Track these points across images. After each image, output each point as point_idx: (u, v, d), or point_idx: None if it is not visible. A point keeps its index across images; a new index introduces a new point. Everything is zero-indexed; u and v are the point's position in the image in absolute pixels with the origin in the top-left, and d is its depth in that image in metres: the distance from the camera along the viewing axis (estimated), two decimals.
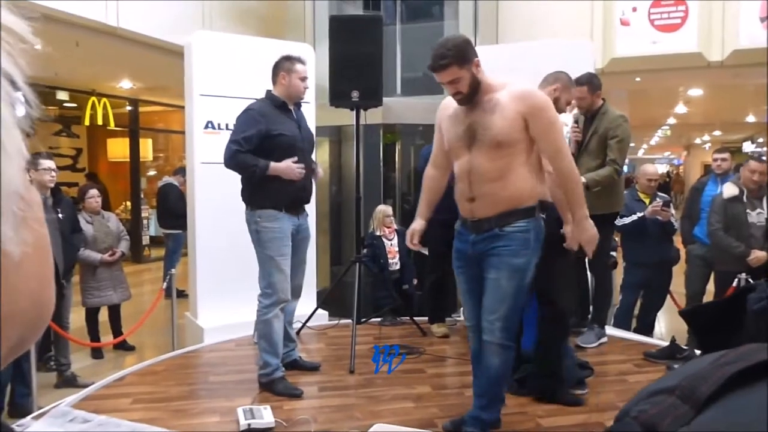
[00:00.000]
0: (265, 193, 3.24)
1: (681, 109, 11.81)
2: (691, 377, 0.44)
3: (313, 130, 4.30)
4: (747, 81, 7.94)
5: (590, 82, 3.98)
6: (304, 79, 3.37)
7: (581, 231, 2.58)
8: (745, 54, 6.34)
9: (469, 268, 2.64)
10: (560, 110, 3.24)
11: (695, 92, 9.71)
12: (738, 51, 6.37)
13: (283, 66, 3.35)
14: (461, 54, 2.45)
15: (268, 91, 3.40)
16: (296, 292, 3.55)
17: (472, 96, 2.51)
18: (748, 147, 16.07)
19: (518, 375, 3.28)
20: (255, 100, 3.41)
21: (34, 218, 0.33)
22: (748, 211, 4.29)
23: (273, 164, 3.17)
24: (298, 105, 3.46)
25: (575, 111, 4.12)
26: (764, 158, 4.61)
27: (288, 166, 3.20)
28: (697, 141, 21.00)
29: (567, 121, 4.12)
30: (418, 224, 2.86)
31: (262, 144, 3.21)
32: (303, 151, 3.35)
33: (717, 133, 17.83)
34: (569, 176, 2.51)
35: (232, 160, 3.20)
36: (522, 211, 2.50)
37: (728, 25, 6.41)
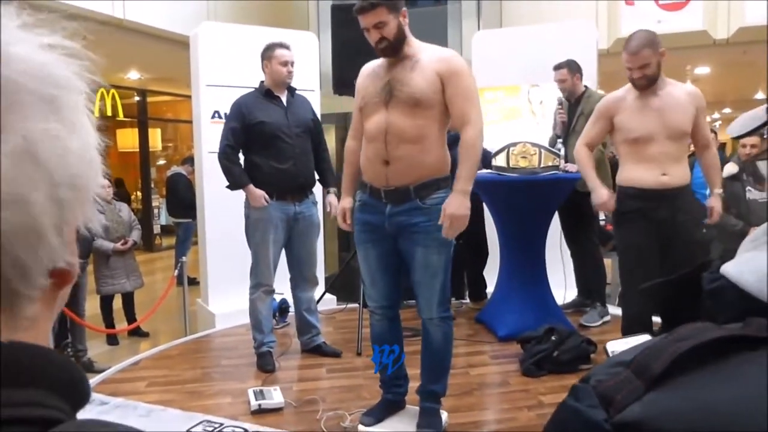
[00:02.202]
0: (253, 181, 3.36)
1: (689, 87, 11.73)
2: (644, 352, 0.47)
3: (319, 117, 4.32)
4: (755, 58, 7.87)
5: (569, 65, 4.15)
6: (285, 63, 3.37)
7: (456, 205, 2.34)
8: (751, 31, 6.30)
9: (381, 241, 2.52)
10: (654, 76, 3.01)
11: (702, 70, 9.65)
12: (744, 28, 6.33)
13: (264, 55, 3.44)
14: None
15: (261, 82, 3.51)
16: (311, 280, 3.64)
17: (397, 47, 2.40)
18: None
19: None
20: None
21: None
22: (748, 188, 4.32)
23: (250, 186, 3.33)
24: (291, 92, 3.47)
25: (559, 94, 4.25)
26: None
27: (257, 196, 3.33)
28: (707, 119, 20.79)
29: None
30: (347, 202, 2.67)
31: (247, 133, 3.35)
32: (290, 137, 3.38)
33: (727, 110, 17.64)
34: (472, 148, 2.38)
35: (221, 159, 3.41)
36: (440, 180, 2.43)
37: (733, 3, 6.37)
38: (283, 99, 3.45)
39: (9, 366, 0.33)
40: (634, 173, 3.09)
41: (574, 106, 4.16)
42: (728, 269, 0.55)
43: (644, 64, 2.95)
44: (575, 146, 3.35)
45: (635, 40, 2.98)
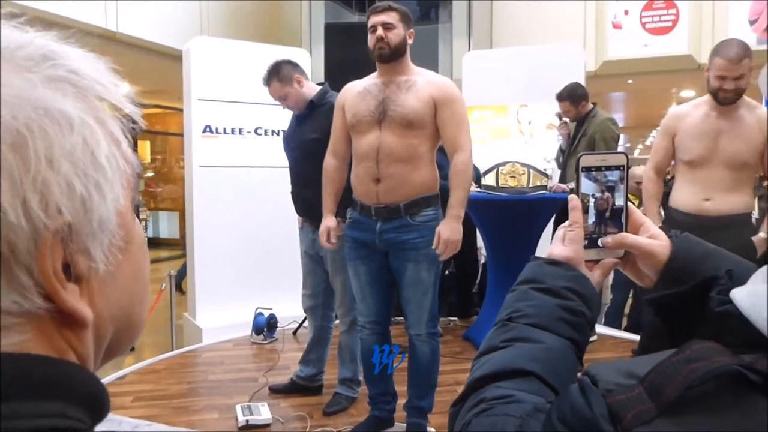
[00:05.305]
0: None
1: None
2: (657, 369, 0.46)
3: None
4: None
5: (570, 96, 4.08)
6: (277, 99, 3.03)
7: (450, 230, 2.39)
8: None
9: (372, 258, 2.56)
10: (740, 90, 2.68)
11: (687, 93, 9.82)
12: None
13: None
14: (406, 13, 2.51)
15: None
16: (338, 317, 3.15)
17: (395, 54, 2.46)
18: None
19: None
20: None
21: (136, 249, 0.43)
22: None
23: None
24: (311, 104, 3.01)
25: (557, 110, 4.26)
26: None
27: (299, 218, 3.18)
28: None
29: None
30: (331, 221, 2.66)
31: None
32: (291, 150, 3.09)
33: None
34: (463, 173, 2.44)
35: None
36: (429, 198, 2.48)
37: (718, 29, 6.52)
38: (304, 114, 3.02)
39: (35, 379, 0.35)
40: (679, 193, 2.87)
41: (579, 126, 4.12)
42: (741, 300, 0.51)
43: (741, 74, 2.62)
44: (644, 170, 3.08)
45: (734, 47, 2.61)
